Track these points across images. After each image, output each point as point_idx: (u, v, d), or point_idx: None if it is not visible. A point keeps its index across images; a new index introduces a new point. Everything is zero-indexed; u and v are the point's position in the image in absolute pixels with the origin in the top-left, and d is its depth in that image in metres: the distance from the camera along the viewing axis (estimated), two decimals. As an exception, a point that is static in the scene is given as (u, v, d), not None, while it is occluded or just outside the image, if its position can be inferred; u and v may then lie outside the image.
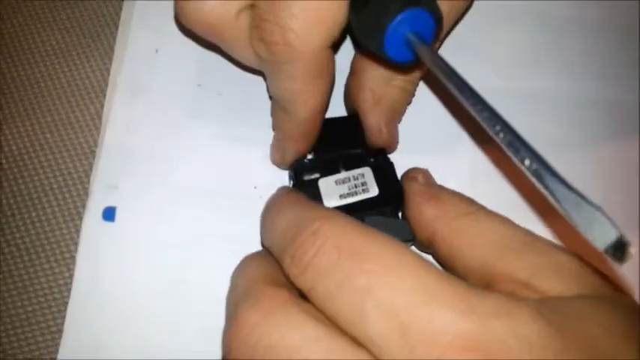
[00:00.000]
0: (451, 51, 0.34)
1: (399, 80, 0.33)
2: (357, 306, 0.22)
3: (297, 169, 0.33)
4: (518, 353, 0.20)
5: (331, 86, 0.32)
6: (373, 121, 0.33)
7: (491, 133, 0.22)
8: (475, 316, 0.21)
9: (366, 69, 0.33)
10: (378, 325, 0.21)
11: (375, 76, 0.33)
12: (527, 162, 0.20)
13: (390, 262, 0.22)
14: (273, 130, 0.34)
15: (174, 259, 0.33)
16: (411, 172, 0.32)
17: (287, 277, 0.24)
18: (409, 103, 0.35)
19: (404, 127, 0.35)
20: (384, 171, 0.32)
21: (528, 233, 0.27)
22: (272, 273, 0.26)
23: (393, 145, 0.34)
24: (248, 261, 0.28)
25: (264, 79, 0.33)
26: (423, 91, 0.36)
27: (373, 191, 0.32)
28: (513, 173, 0.35)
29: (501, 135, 0.21)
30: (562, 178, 0.20)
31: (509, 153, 0.21)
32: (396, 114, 0.34)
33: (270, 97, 0.33)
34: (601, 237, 0.18)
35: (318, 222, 0.24)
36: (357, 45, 0.34)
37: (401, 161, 0.33)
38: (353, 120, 0.34)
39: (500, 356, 0.20)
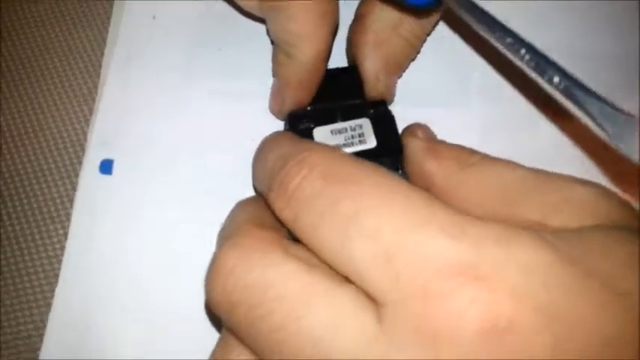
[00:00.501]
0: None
1: (405, 30, 0.32)
2: (340, 233, 0.20)
3: (292, 118, 0.32)
4: (517, 281, 0.18)
5: (334, 31, 0.31)
6: (371, 67, 0.32)
7: (516, 58, 0.21)
8: (468, 241, 0.19)
9: (372, 12, 0.32)
10: (361, 251, 0.20)
11: (381, 18, 0.31)
12: (555, 80, 0.20)
13: (377, 187, 0.21)
14: (273, 76, 0.33)
15: (173, 214, 0.33)
16: (410, 128, 0.30)
17: (273, 212, 0.23)
18: (412, 59, 0.34)
19: (411, 79, 0.34)
20: (383, 123, 0.31)
21: (539, 172, 0.25)
22: (260, 215, 0.25)
23: (388, 98, 0.33)
24: (240, 204, 0.27)
25: (266, 25, 0.32)
26: (431, 43, 0.35)
27: (371, 143, 0.30)
28: (527, 126, 0.34)
29: (527, 57, 0.21)
30: (593, 92, 0.19)
31: (537, 74, 0.21)
32: (397, 66, 0.33)
33: (272, 42, 0.32)
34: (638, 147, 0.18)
35: (304, 152, 0.23)
36: None
37: (407, 115, 0.32)
38: (353, 71, 0.33)
39: (496, 284, 0.18)
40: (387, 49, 0.32)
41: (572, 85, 0.19)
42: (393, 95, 0.33)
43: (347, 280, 0.21)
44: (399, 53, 0.32)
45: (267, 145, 0.27)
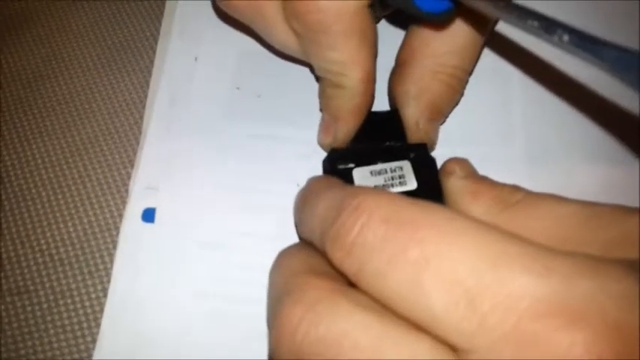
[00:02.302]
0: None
1: (445, 75, 0.32)
2: (412, 281, 0.19)
3: (332, 157, 0.32)
4: (613, 315, 0.17)
5: (375, 52, 0.31)
6: (411, 115, 0.32)
7: (526, 31, 0.21)
8: (555, 276, 0.18)
9: (411, 60, 0.32)
10: (439, 297, 0.19)
11: (421, 66, 0.32)
12: (565, 38, 0.19)
13: (445, 229, 0.20)
14: (321, 111, 0.33)
15: (215, 260, 0.32)
16: (448, 166, 0.29)
17: (332, 263, 0.22)
18: (456, 102, 0.34)
19: (453, 118, 0.34)
20: (424, 166, 0.30)
21: (588, 205, 0.23)
22: (313, 263, 0.24)
23: (430, 144, 0.33)
24: (285, 254, 0.26)
25: (310, 69, 0.34)
26: (472, 80, 0.35)
27: (411, 185, 0.30)
28: (577, 162, 0.34)
29: (535, 24, 0.20)
30: (606, 41, 0.18)
31: (548, 40, 0.20)
32: (438, 112, 0.33)
33: (317, 79, 0.33)
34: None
35: (359, 197, 0.21)
36: (386, 9, 0.33)
37: (451, 155, 0.30)
38: (395, 114, 0.33)
39: (593, 321, 0.17)
40: (427, 97, 0.32)
41: (583, 39, 0.18)
42: (434, 140, 0.33)
43: (420, 327, 0.20)
44: (440, 99, 0.32)
45: (314, 192, 0.26)
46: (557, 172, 0.33)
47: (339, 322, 0.20)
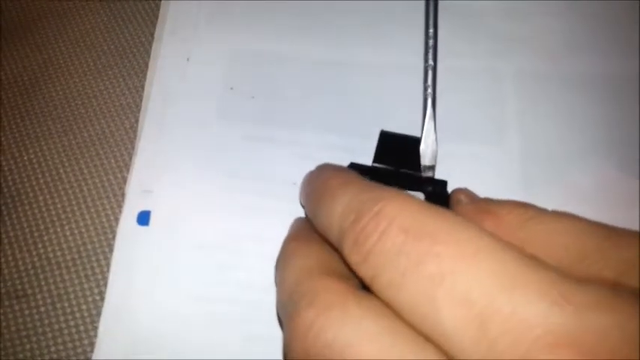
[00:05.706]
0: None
1: None
2: (426, 295, 0.19)
3: (352, 169, 0.31)
4: (627, 353, 0.17)
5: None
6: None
7: None
8: (570, 306, 0.17)
9: None
10: (451, 316, 0.18)
11: None
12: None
13: (464, 244, 0.20)
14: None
15: (211, 262, 0.32)
16: (454, 197, 0.28)
17: (349, 266, 0.22)
18: None
19: (446, 115, 0.33)
20: (438, 202, 0.30)
21: (604, 226, 0.23)
22: (325, 260, 0.24)
23: None
24: (294, 248, 0.26)
25: None
26: (466, 79, 0.35)
27: None
28: (574, 160, 0.33)
29: None
30: None
31: None
32: None
33: None
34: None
35: (381, 202, 0.22)
36: None
37: (444, 152, 0.31)
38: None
39: (603, 355, 0.17)
40: None
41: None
42: None
43: (428, 339, 0.20)
44: None
45: (331, 187, 0.25)
46: (551, 171, 0.33)
47: (347, 330, 0.20)
